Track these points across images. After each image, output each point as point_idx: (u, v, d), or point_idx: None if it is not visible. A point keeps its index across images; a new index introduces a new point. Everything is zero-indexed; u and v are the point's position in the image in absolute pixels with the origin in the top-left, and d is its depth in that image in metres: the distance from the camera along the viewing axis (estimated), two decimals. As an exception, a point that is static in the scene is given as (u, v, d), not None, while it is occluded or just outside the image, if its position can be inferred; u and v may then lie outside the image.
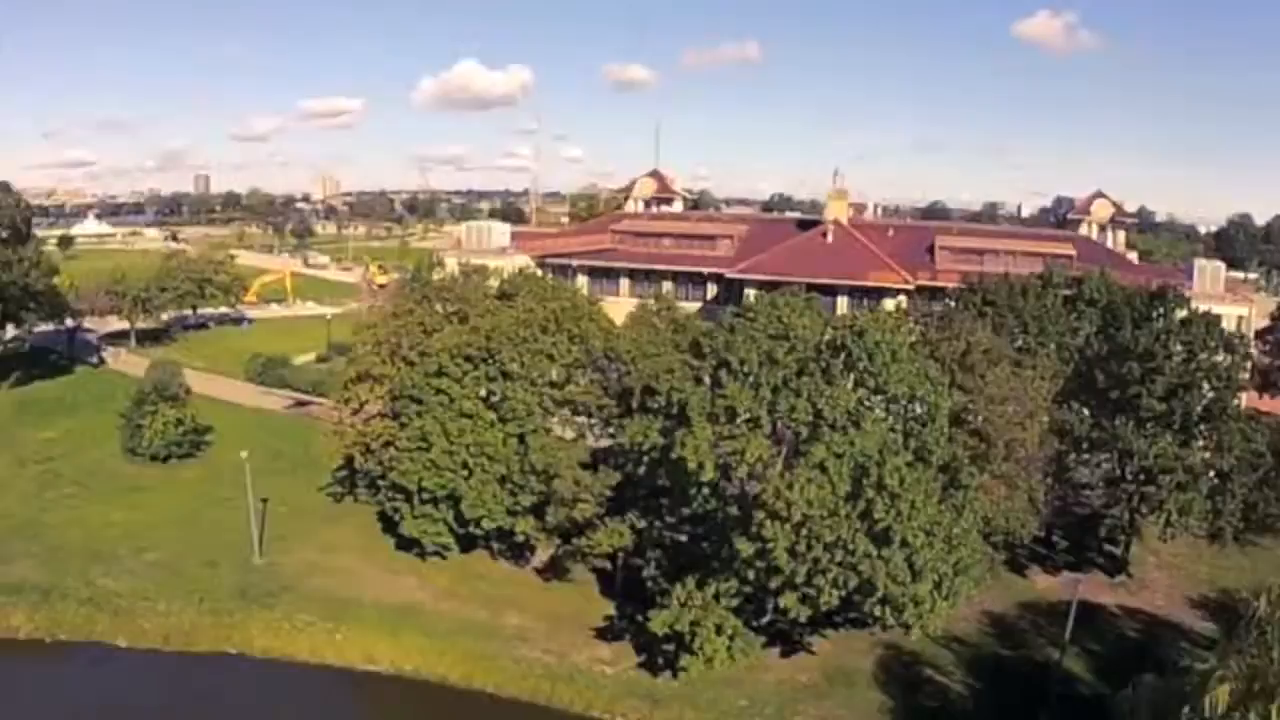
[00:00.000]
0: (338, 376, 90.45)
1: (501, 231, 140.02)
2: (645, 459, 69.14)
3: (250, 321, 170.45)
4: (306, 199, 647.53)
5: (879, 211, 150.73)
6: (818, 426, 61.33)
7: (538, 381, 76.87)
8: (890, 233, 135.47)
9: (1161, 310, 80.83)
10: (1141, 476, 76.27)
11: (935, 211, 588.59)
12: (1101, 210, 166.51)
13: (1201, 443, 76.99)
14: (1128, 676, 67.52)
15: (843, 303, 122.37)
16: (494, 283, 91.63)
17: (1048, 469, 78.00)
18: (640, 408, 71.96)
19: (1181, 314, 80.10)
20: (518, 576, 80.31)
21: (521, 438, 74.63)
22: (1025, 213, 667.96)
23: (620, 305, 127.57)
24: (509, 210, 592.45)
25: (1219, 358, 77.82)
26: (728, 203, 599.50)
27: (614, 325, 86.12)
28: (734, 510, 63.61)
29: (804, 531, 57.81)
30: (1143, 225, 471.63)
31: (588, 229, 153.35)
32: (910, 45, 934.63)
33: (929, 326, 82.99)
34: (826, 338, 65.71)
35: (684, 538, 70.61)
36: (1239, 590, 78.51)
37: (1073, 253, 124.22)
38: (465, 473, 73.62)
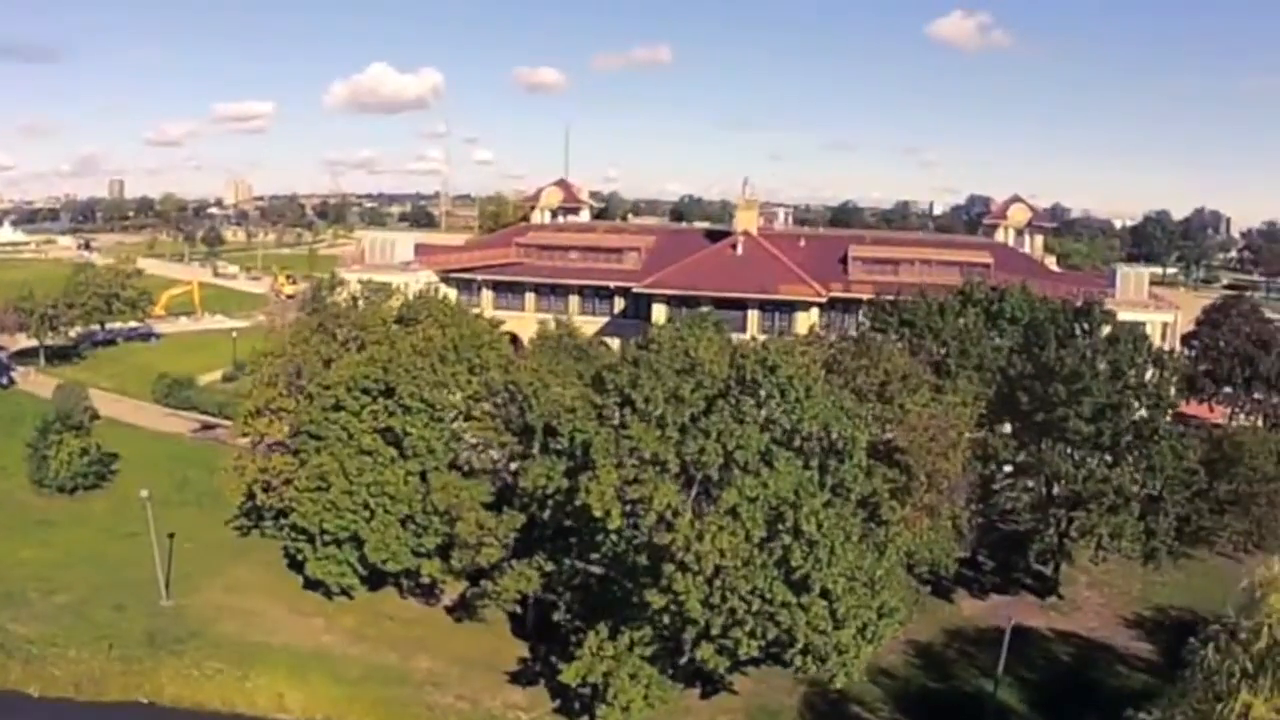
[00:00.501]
0: (238, 407, 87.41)
1: (405, 245, 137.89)
2: (550, 501, 65.82)
3: (158, 337, 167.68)
4: (219, 204, 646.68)
5: (789, 220, 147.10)
6: (729, 468, 58.14)
7: (440, 416, 73.82)
8: (801, 243, 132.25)
9: (1087, 326, 77.68)
10: (1070, 500, 73.79)
11: (847, 211, 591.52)
12: (1018, 215, 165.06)
13: (1132, 463, 74.50)
14: (1062, 705, 65.38)
15: (754, 317, 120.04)
16: (396, 303, 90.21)
17: (972, 495, 75.60)
18: (543, 448, 68.21)
19: (1107, 329, 76.65)
20: (428, 616, 77.36)
21: (424, 475, 72.07)
22: (938, 210, 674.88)
23: (526, 320, 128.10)
24: (419, 214, 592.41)
25: (1148, 374, 75.89)
26: (637, 207, 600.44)
27: (517, 351, 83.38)
28: (643, 560, 59.90)
29: (718, 583, 54.37)
30: (1059, 224, 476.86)
31: (492, 242, 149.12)
32: (822, 46, 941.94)
33: (844, 352, 78.25)
34: (736, 372, 62.04)
35: (595, 579, 67.55)
36: (1173, 606, 76.86)
37: (990, 261, 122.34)
38: (367, 513, 71.10)
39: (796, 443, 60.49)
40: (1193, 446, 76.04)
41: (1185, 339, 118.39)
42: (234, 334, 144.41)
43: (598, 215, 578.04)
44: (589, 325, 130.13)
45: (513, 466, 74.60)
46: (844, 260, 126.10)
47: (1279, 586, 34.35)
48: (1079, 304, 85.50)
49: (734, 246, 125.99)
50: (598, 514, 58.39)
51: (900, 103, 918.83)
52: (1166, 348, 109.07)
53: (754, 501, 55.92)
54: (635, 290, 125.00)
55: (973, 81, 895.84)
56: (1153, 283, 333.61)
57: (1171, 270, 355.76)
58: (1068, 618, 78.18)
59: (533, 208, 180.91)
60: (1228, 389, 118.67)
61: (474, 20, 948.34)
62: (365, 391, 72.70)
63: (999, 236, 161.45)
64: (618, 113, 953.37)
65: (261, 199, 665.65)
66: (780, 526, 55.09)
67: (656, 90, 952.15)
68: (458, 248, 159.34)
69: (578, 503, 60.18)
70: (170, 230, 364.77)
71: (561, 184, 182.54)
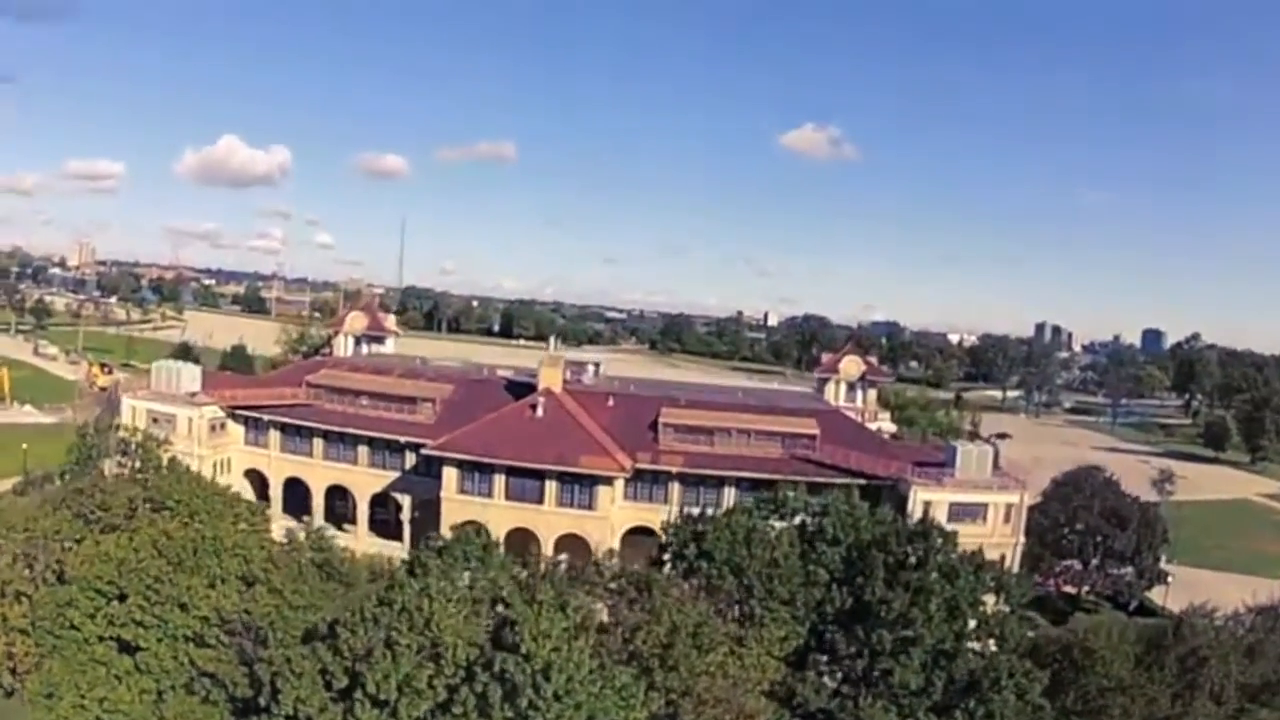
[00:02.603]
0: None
1: (191, 375, 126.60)
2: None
3: None
4: (62, 263, 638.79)
5: (599, 372, 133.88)
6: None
7: (174, 634, 66.00)
8: (610, 402, 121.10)
9: (921, 553, 69.49)
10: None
11: (679, 320, 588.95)
12: (850, 367, 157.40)
13: (968, 711, 64.21)
14: None
15: (552, 489, 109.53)
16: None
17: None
18: (266, 708, 57.88)
19: (943, 553, 69.91)
20: None
21: (160, 694, 65.28)
22: (773, 321, 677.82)
23: (314, 468, 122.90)
24: (252, 299, 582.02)
25: (988, 607, 68.73)
26: (469, 306, 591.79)
27: (267, 558, 72.31)
28: None
29: None
30: (892, 345, 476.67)
31: (283, 379, 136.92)
32: (667, 152, 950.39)
33: (623, 596, 63.85)
34: (483, 653, 53.66)
35: None
36: None
37: (815, 432, 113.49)
38: None
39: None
40: (1039, 680, 65.55)
41: (1034, 509, 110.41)
42: (24, 447, 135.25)
43: (427, 315, 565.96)
44: (378, 479, 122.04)
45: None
46: (655, 425, 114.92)
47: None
48: (913, 525, 73.61)
49: (534, 407, 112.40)
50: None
51: (742, 210, 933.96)
52: (1010, 534, 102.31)
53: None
54: (424, 453, 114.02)
55: (818, 194, 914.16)
56: (992, 408, 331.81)
57: (1013, 394, 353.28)
58: None
59: (336, 333, 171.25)
60: (1077, 564, 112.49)
61: (325, 102, 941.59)
62: (100, 592, 66.35)
63: (830, 390, 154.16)
64: (458, 204, 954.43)
65: (104, 263, 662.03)
66: None
67: (497, 185, 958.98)
68: (247, 381, 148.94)
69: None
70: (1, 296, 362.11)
71: (367, 309, 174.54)
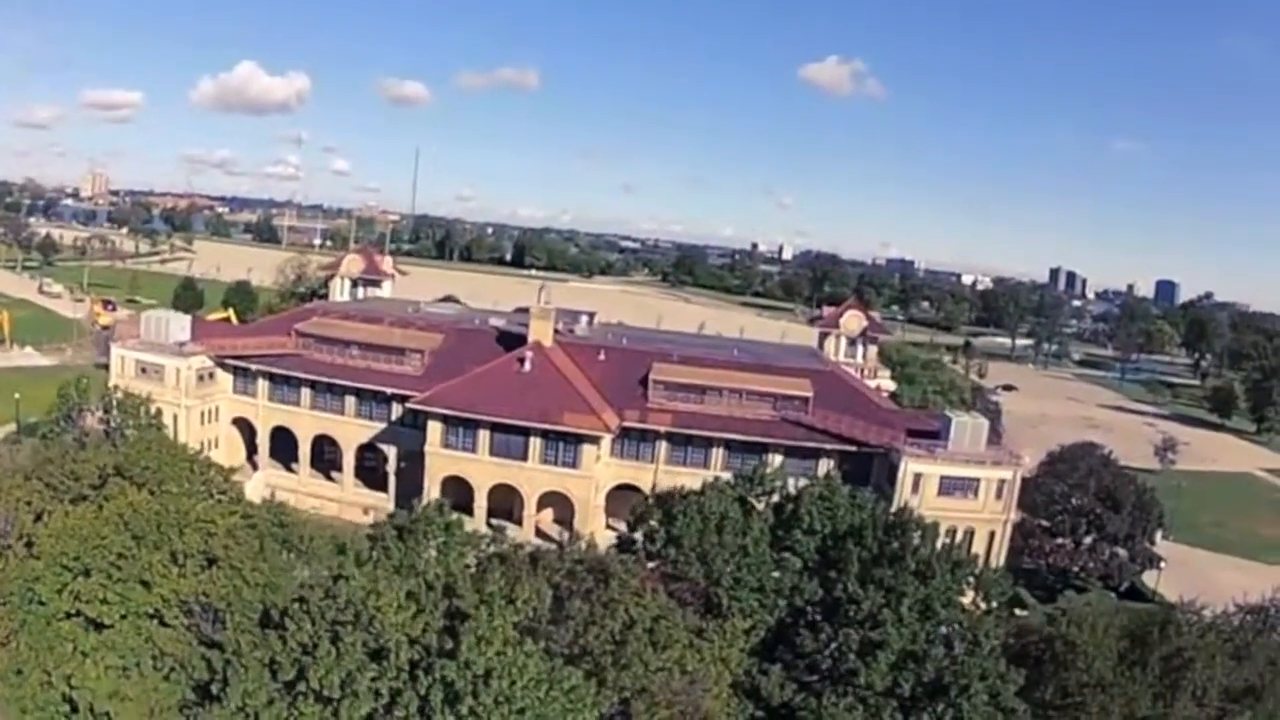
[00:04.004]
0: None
1: (180, 325, 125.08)
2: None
3: None
4: (76, 194, 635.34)
5: (592, 322, 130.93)
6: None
7: (137, 611, 63.69)
8: (601, 356, 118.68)
9: (898, 546, 66.61)
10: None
11: (693, 250, 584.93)
12: (852, 323, 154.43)
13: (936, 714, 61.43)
14: None
15: (536, 445, 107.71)
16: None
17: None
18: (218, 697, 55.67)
19: (922, 548, 66.72)
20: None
21: (125, 671, 62.86)
22: (788, 254, 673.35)
23: (301, 417, 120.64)
24: (264, 227, 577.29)
25: (964, 605, 66.33)
26: (482, 234, 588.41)
27: (228, 533, 68.75)
28: None
29: None
30: (905, 285, 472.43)
31: (272, 326, 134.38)
32: (691, 81, 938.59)
33: (578, 581, 61.00)
34: (425, 654, 51.17)
35: None
36: None
37: (809, 394, 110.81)
38: (67, 708, 62.83)
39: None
40: (1013, 681, 62.37)
41: (1028, 482, 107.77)
42: (16, 396, 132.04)
43: (439, 244, 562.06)
44: (365, 430, 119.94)
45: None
46: (645, 381, 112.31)
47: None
48: (892, 515, 71.40)
49: (522, 361, 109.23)
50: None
51: (764, 143, 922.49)
52: (1001, 511, 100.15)
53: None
54: (410, 406, 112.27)
55: (839, 128, 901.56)
56: (1001, 356, 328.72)
57: (1023, 342, 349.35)
58: None
59: (332, 275, 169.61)
60: (1069, 543, 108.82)
61: (345, 26, 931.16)
62: (66, 568, 63.96)
63: (829, 346, 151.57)
64: (478, 132, 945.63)
65: (118, 193, 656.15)
66: None
67: (519, 113, 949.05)
68: (237, 329, 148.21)
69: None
70: (6, 229, 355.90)
71: (364, 252, 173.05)
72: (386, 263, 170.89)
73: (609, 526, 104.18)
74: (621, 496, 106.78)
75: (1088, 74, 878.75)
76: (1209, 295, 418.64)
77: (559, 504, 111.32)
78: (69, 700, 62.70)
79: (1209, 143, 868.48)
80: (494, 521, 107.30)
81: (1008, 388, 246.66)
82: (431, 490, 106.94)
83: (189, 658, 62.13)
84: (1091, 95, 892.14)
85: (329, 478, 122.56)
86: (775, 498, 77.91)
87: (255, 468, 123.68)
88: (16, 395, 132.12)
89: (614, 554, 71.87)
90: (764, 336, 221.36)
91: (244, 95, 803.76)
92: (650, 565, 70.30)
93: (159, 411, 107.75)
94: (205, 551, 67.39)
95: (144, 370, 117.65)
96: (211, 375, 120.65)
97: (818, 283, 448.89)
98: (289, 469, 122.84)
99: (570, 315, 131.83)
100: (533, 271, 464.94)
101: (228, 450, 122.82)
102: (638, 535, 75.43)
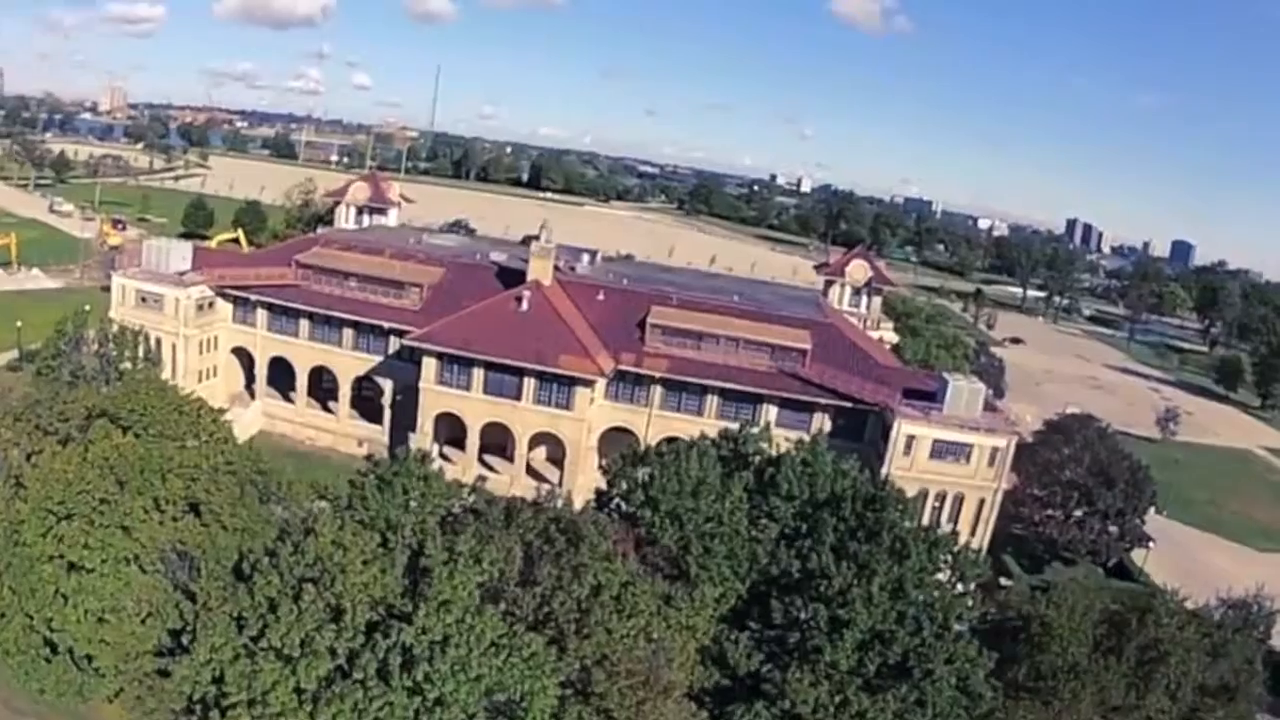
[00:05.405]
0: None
1: (181, 254, 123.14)
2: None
3: None
4: (94, 108, 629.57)
5: (596, 260, 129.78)
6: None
7: (120, 558, 63.88)
8: (600, 296, 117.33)
9: (874, 521, 65.80)
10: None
11: (711, 179, 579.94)
12: (858, 272, 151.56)
13: (901, 696, 60.92)
14: None
15: (530, 386, 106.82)
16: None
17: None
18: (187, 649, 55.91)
19: (900, 524, 65.85)
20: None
21: (101, 618, 62.99)
22: (806, 187, 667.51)
23: (299, 348, 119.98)
24: (282, 143, 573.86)
25: (936, 588, 64.18)
26: (501, 153, 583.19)
27: (211, 479, 68.90)
28: None
29: None
30: (920, 227, 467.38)
31: (275, 256, 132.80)
32: (720, 6, 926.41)
33: (548, 541, 60.10)
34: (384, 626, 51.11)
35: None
36: None
37: (807, 347, 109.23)
38: (48, 650, 64.04)
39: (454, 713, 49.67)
40: (982, 665, 62.09)
41: (1023, 449, 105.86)
42: (18, 324, 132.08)
43: (456, 163, 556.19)
44: (362, 363, 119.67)
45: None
46: (643, 324, 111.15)
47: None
48: (872, 488, 69.81)
49: (520, 300, 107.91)
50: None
51: (789, 73, 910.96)
52: (993, 479, 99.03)
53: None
54: (405, 343, 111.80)
55: (865, 63, 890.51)
56: (1012, 306, 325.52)
57: (1034, 294, 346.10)
58: None
59: (338, 203, 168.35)
60: (1060, 514, 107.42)
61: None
62: (50, 512, 63.83)
63: (834, 294, 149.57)
64: (502, 52, 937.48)
65: (136, 107, 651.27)
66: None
67: (544, 32, 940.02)
68: (238, 258, 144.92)
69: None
70: (20, 144, 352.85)
71: (370, 179, 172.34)
72: (393, 190, 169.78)
73: (601, 468, 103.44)
74: (615, 438, 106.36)
75: (1117, 22, 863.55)
76: (1222, 263, 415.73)
77: (552, 443, 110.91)
78: (49, 644, 63.44)
79: (1236, 103, 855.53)
80: (486, 459, 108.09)
81: (1015, 340, 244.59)
82: (425, 425, 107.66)
83: (164, 605, 61.84)
84: (1119, 45, 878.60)
85: (326, 408, 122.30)
86: (758, 459, 76.57)
87: (253, 396, 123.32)
88: (18, 323, 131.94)
89: (591, 511, 71.49)
90: (775, 273, 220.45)
91: (268, 8, 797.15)
92: (624, 525, 69.32)
93: (158, 342, 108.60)
94: (187, 497, 67.34)
95: (144, 299, 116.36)
96: (211, 304, 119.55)
97: (833, 219, 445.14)
98: (287, 399, 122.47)
99: (572, 252, 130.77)
100: (548, 194, 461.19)
101: (226, 379, 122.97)
102: (615, 493, 74.46)
